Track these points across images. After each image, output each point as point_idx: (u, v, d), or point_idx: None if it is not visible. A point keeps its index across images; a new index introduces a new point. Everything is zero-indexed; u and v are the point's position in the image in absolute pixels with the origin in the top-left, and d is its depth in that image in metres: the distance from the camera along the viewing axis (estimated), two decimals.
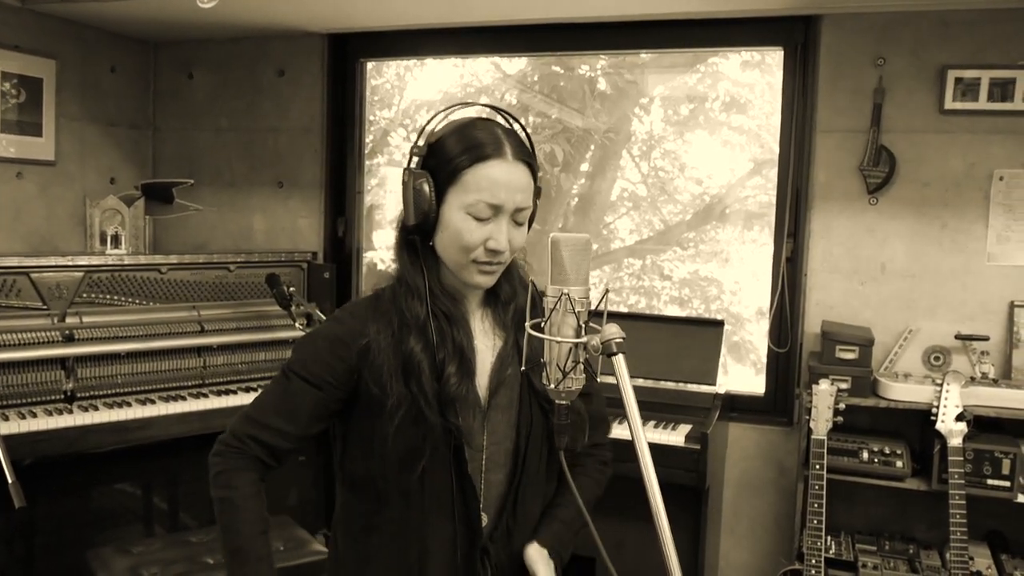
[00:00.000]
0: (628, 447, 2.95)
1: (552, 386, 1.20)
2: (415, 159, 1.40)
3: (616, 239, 5.01)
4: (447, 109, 1.44)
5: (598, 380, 1.34)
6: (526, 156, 1.40)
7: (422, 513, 1.41)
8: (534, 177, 1.42)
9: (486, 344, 1.47)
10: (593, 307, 1.21)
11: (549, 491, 1.55)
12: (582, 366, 1.20)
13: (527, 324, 1.23)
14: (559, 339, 1.18)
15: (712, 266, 4.97)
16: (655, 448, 2.80)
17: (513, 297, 1.50)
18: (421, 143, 1.41)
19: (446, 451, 1.39)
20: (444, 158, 1.37)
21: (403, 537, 1.42)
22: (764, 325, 3.39)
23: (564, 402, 1.22)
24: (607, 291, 1.20)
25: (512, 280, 1.50)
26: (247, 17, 3.45)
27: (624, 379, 1.12)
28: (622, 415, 3.07)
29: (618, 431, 2.85)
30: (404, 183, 1.38)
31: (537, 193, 1.44)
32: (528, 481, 1.47)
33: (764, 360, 3.41)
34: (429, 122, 1.43)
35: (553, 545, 1.47)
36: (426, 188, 1.36)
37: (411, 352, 1.38)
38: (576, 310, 1.18)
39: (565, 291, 1.18)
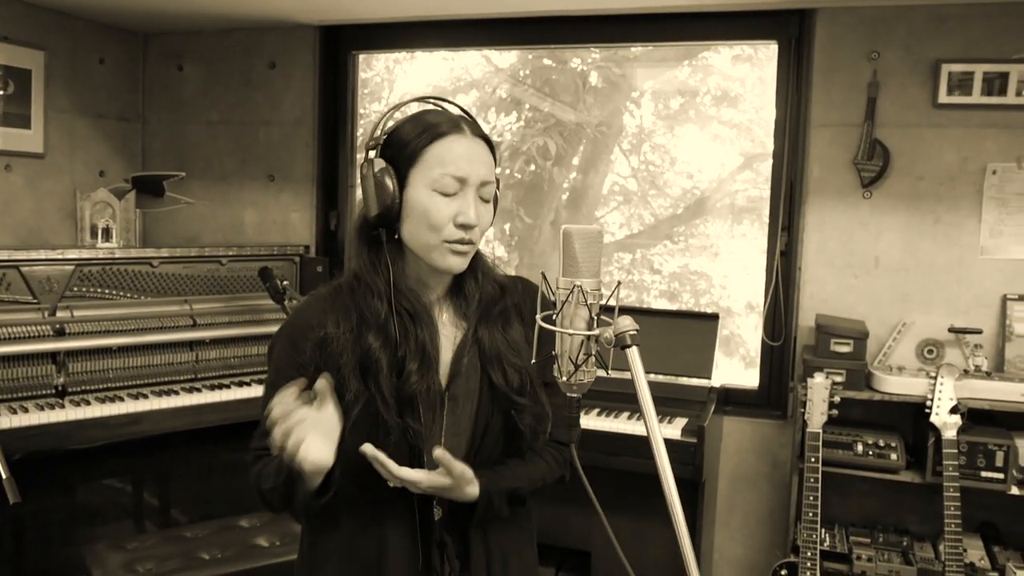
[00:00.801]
0: (624, 440, 2.92)
1: (564, 379, 1.19)
2: (371, 152, 1.39)
3: (606, 233, 5.01)
4: (396, 107, 1.44)
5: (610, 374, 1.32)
6: (483, 134, 1.42)
7: (379, 507, 1.40)
8: (493, 156, 1.43)
9: (446, 335, 1.46)
10: (587, 301, 1.19)
11: None
12: (595, 359, 1.19)
13: (537, 316, 1.22)
14: (571, 332, 1.17)
15: (702, 260, 4.98)
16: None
17: (478, 290, 1.47)
18: (376, 134, 1.40)
19: (404, 447, 1.37)
20: (402, 143, 1.38)
21: (363, 532, 1.41)
22: (753, 319, 3.40)
23: (576, 395, 1.21)
24: (619, 284, 1.19)
25: (476, 273, 1.48)
26: (238, 8, 3.42)
27: (639, 372, 1.11)
28: (631, 410, 3.02)
29: (625, 425, 2.87)
30: (363, 176, 1.38)
31: (496, 183, 1.44)
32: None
33: (753, 354, 3.42)
34: (382, 118, 1.42)
35: (485, 479, 1.39)
36: (387, 176, 1.36)
37: (369, 349, 1.36)
38: (588, 302, 1.17)
39: (577, 283, 1.17)
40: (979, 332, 2.92)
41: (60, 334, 2.88)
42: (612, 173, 4.96)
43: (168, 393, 2.97)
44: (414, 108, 1.47)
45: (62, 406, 2.74)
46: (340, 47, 3.80)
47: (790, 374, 3.22)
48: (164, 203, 3.68)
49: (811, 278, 3.16)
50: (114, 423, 2.78)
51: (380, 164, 1.36)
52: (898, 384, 2.81)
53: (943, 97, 2.94)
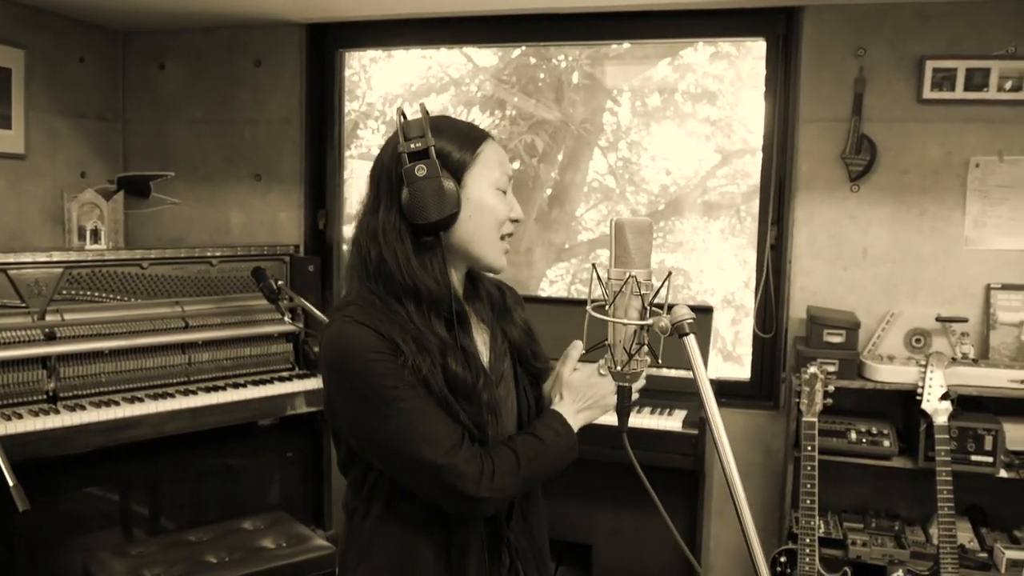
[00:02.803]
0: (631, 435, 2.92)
1: (618, 368, 1.21)
2: (418, 157, 1.33)
3: (584, 230, 5.04)
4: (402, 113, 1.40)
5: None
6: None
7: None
8: None
9: (481, 340, 1.46)
10: (640, 291, 1.21)
11: None
12: (647, 348, 1.21)
13: (588, 308, 1.23)
14: (626, 321, 1.19)
15: (678, 256, 5.02)
16: (652, 434, 2.86)
17: (487, 291, 1.51)
18: (422, 139, 1.33)
19: None
20: (449, 147, 1.35)
21: (438, 530, 1.38)
22: (729, 313, 3.45)
23: (628, 384, 1.22)
24: (670, 274, 1.21)
25: (484, 275, 1.51)
26: (222, 6, 3.38)
27: (697, 360, 1.13)
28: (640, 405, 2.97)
29: (635, 420, 2.88)
30: (422, 179, 1.31)
31: None
32: None
33: (730, 347, 3.47)
34: (402, 124, 1.36)
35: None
36: (449, 179, 1.33)
37: (455, 375, 1.33)
38: (641, 292, 1.19)
39: (631, 273, 1.18)
40: (965, 321, 3.00)
41: (50, 338, 2.83)
42: (593, 171, 4.98)
43: (163, 396, 2.93)
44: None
45: (56, 412, 2.68)
46: (327, 45, 3.78)
47: (782, 365, 3.28)
48: (150, 204, 3.62)
49: (801, 271, 3.22)
50: (111, 428, 2.73)
51: (436, 167, 1.32)
52: (890, 373, 2.88)
53: (927, 93, 3.02)
